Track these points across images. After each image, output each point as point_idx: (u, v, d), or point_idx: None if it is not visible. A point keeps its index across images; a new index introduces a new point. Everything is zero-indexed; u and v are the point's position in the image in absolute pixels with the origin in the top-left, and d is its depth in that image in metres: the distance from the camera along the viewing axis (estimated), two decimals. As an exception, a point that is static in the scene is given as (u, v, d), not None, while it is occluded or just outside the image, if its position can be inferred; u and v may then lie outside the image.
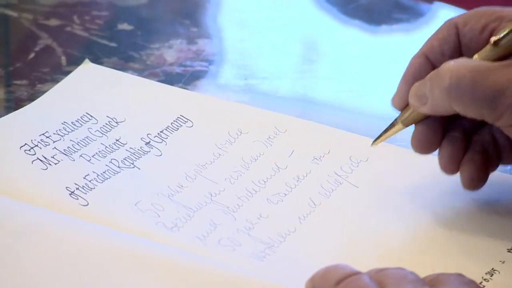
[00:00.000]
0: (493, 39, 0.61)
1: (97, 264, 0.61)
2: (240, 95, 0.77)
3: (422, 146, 0.65)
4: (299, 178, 0.69)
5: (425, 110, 0.64)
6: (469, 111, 0.62)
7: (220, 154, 0.70)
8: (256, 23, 0.86)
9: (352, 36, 0.91)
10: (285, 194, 0.67)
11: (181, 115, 0.72)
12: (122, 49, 0.82)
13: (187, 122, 0.72)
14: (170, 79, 0.79)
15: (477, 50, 0.62)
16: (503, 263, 0.64)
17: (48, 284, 0.60)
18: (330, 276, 0.57)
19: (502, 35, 0.61)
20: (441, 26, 0.67)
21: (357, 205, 0.67)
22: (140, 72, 0.79)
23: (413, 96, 0.64)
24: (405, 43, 0.89)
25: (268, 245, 0.64)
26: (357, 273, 0.57)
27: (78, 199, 0.64)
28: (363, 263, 0.60)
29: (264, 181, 0.68)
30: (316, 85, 0.82)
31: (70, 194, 0.64)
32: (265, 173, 0.69)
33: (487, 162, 0.66)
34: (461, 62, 0.62)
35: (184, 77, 0.79)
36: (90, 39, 0.83)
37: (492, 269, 0.64)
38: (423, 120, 0.65)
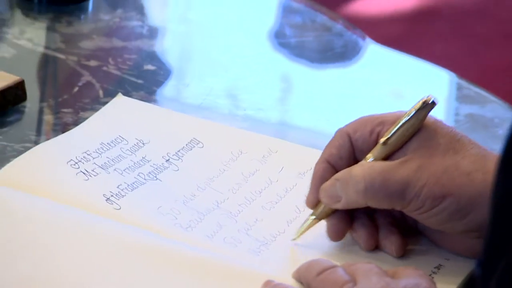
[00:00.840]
0: (382, 140, 0.62)
1: (127, 255, 0.62)
2: (240, 122, 0.77)
3: (338, 235, 0.64)
4: (287, 190, 0.69)
5: (339, 206, 0.63)
6: (382, 204, 0.62)
7: (224, 170, 0.70)
8: (245, 66, 0.86)
9: (328, 74, 0.90)
10: (276, 202, 0.67)
11: (194, 138, 0.72)
12: (147, 84, 0.81)
13: (198, 143, 0.72)
14: (185, 109, 0.79)
15: (369, 150, 0.62)
16: (447, 260, 0.64)
17: (88, 271, 0.61)
18: (312, 268, 0.59)
19: (389, 135, 0.61)
20: (335, 135, 0.66)
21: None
22: (161, 103, 0.79)
23: (325, 196, 0.63)
24: (368, 80, 0.87)
25: (263, 242, 0.64)
26: (334, 266, 0.58)
27: (112, 204, 0.65)
28: (338, 258, 0.64)
29: (259, 192, 0.68)
30: (298, 115, 0.82)
31: (106, 200, 0.64)
32: (260, 185, 0.69)
33: (403, 232, 0.65)
34: (368, 166, 0.63)
35: (196, 108, 0.79)
36: (122, 76, 0.81)
37: (435, 267, 0.65)
38: (333, 213, 0.64)
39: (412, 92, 0.84)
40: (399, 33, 2.23)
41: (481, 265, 0.43)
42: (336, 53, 0.91)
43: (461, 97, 0.80)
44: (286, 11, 0.97)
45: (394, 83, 0.87)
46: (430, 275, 0.62)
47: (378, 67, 0.89)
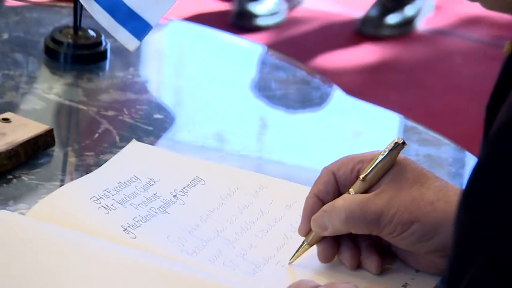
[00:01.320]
0: (361, 176, 0.63)
1: (142, 276, 0.63)
2: (235, 161, 0.78)
3: (327, 259, 0.65)
4: (276, 220, 0.69)
5: (327, 233, 0.63)
6: (362, 231, 0.63)
7: (223, 203, 0.71)
8: (235, 114, 0.87)
9: (303, 118, 0.91)
10: (267, 231, 0.68)
11: (197, 176, 0.72)
12: (156, 131, 0.81)
13: (201, 181, 0.72)
14: (188, 150, 0.80)
15: (351, 185, 0.64)
16: (413, 279, 0.65)
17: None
18: (299, 287, 0.61)
19: (367, 172, 0.63)
20: (322, 173, 0.67)
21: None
22: (168, 146, 0.80)
23: (315, 226, 0.64)
24: (334, 123, 0.89)
25: (257, 265, 0.65)
26: (318, 286, 0.59)
27: (129, 233, 0.65)
28: (328, 276, 0.66)
29: (253, 222, 0.69)
30: (278, 153, 0.83)
31: (123, 230, 0.65)
32: (253, 216, 0.70)
33: (380, 253, 0.66)
34: (349, 199, 0.63)
35: (198, 149, 0.80)
36: (135, 124, 0.82)
37: (406, 283, 0.65)
38: (322, 240, 0.65)
39: (370, 133, 0.87)
40: (361, 83, 2.26)
41: (445, 281, 0.44)
42: (313, 103, 0.92)
43: (420, 140, 0.81)
44: (271, 67, 0.97)
45: (356, 125, 0.88)
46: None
47: (343, 112, 0.91)
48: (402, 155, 0.63)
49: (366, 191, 0.62)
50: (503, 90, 0.47)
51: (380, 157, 0.62)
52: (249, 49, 1.05)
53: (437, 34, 2.41)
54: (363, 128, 0.89)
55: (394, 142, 0.62)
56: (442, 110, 2.12)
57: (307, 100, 0.92)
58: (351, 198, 0.62)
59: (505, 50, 0.51)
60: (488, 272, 0.41)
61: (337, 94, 0.93)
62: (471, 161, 0.78)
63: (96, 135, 0.78)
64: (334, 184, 0.64)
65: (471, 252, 0.42)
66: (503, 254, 0.41)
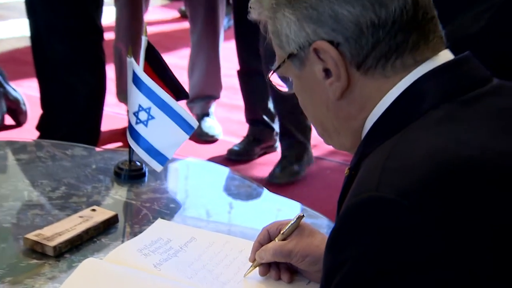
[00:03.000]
0: (281, 232, 0.64)
1: None
2: (212, 228, 0.76)
3: (264, 274, 0.64)
4: (234, 258, 0.68)
5: (264, 261, 0.64)
6: (281, 260, 0.63)
7: (206, 251, 0.69)
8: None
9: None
10: (230, 264, 0.67)
11: (192, 237, 0.72)
12: (171, 214, 0.81)
13: (195, 239, 0.72)
14: (189, 223, 0.78)
15: (276, 236, 0.64)
16: (307, 284, 0.65)
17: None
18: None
19: (284, 230, 0.64)
20: (263, 230, 0.65)
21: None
22: (178, 222, 0.78)
23: (257, 257, 0.64)
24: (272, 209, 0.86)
25: (226, 281, 0.63)
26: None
27: (157, 268, 0.66)
28: (264, 283, 0.63)
29: (222, 259, 0.68)
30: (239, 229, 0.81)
31: (154, 267, 0.66)
32: (222, 257, 0.68)
33: (291, 271, 0.64)
34: (274, 243, 0.63)
35: (193, 222, 0.78)
36: (160, 210, 0.81)
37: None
38: (261, 264, 0.64)
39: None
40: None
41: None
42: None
43: (308, 216, 0.73)
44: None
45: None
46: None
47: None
48: (302, 221, 0.65)
49: (284, 239, 0.64)
50: (345, 194, 0.47)
51: (291, 222, 0.64)
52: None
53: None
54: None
55: (298, 215, 0.65)
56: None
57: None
58: (275, 243, 0.64)
59: (345, 172, 0.50)
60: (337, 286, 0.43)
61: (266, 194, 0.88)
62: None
63: (140, 216, 0.79)
64: (267, 236, 0.66)
65: (328, 276, 0.44)
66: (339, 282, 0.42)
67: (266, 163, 1.72)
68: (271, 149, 1.69)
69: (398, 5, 0.45)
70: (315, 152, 1.73)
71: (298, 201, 0.87)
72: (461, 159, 0.41)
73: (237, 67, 1.72)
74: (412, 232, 0.39)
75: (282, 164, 1.51)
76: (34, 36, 1.39)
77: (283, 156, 1.55)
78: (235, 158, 1.68)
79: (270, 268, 0.65)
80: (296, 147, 1.52)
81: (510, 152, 0.42)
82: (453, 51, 0.48)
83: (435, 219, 0.39)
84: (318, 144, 1.75)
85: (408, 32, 0.46)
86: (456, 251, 0.38)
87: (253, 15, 0.51)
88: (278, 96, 1.47)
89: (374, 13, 0.45)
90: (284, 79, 0.53)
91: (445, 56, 0.48)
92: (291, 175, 1.47)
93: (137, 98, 0.79)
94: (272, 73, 0.52)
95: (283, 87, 0.54)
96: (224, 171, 1.01)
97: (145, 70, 0.79)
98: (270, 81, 0.53)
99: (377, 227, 0.40)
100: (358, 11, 0.45)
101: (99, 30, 1.40)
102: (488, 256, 0.39)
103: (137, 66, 0.79)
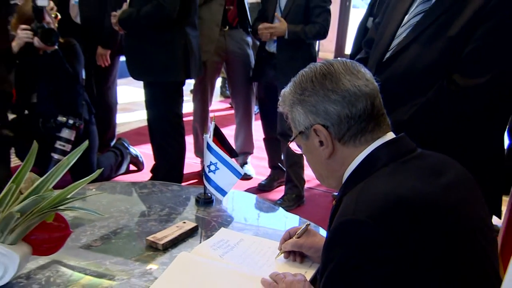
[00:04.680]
0: (296, 233, 0.65)
1: (230, 280, 0.60)
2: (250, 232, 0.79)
3: (287, 257, 0.66)
4: (267, 251, 0.69)
5: (287, 249, 0.66)
6: (296, 250, 0.66)
7: (250, 247, 0.71)
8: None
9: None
10: (265, 253, 0.68)
11: (241, 239, 0.74)
12: (228, 223, 0.81)
13: (243, 240, 0.73)
14: (241, 230, 0.78)
15: (293, 235, 0.68)
16: (310, 266, 0.68)
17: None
18: (273, 276, 0.60)
19: (298, 233, 0.67)
20: (286, 233, 0.68)
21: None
22: (233, 229, 0.79)
23: (283, 247, 0.65)
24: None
25: (261, 265, 0.65)
26: (280, 274, 0.58)
27: (221, 257, 0.69)
28: (287, 265, 0.64)
29: (258, 252, 0.70)
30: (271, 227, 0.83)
31: (219, 256, 0.70)
32: (260, 251, 0.70)
33: (304, 255, 0.68)
34: (292, 240, 0.66)
35: (244, 229, 0.80)
36: (221, 222, 0.82)
37: (310, 266, 0.65)
38: (285, 251, 0.68)
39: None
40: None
41: (319, 272, 0.47)
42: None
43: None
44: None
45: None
46: (306, 271, 0.66)
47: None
48: (310, 227, 0.70)
49: (298, 238, 0.68)
50: (333, 216, 0.50)
51: (302, 227, 0.69)
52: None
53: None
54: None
55: (306, 224, 0.69)
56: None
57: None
58: (293, 239, 0.68)
59: (333, 203, 0.53)
60: (329, 275, 0.45)
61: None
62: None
63: (210, 226, 0.83)
64: (288, 235, 0.70)
65: (324, 265, 0.47)
66: (329, 272, 0.44)
67: (280, 191, 2.00)
68: (283, 183, 2.02)
69: (362, 106, 0.52)
70: (313, 185, 1.97)
71: (298, 215, 0.91)
72: (402, 196, 0.47)
73: (263, 135, 2.06)
74: (376, 240, 0.43)
75: (285, 197, 1.86)
76: (150, 124, 1.72)
77: (286, 193, 1.88)
78: (262, 189, 2.02)
79: (290, 254, 0.69)
80: (294, 189, 1.84)
81: (429, 192, 0.48)
82: (394, 131, 0.55)
83: (390, 232, 0.43)
84: (315, 181, 1.99)
85: (368, 122, 0.52)
86: (402, 251, 0.43)
87: (280, 108, 0.58)
88: (286, 154, 1.76)
89: (348, 110, 0.51)
90: (298, 145, 0.59)
91: (390, 135, 0.55)
92: (289, 204, 1.84)
93: (209, 157, 0.87)
94: (290, 142, 0.58)
95: (297, 151, 0.60)
96: (255, 197, 1.04)
97: (213, 140, 0.87)
98: (289, 147, 0.59)
99: (353, 237, 0.44)
100: (340, 108, 0.51)
101: (181, 117, 1.70)
102: (420, 255, 0.44)
103: (209, 139, 0.87)
